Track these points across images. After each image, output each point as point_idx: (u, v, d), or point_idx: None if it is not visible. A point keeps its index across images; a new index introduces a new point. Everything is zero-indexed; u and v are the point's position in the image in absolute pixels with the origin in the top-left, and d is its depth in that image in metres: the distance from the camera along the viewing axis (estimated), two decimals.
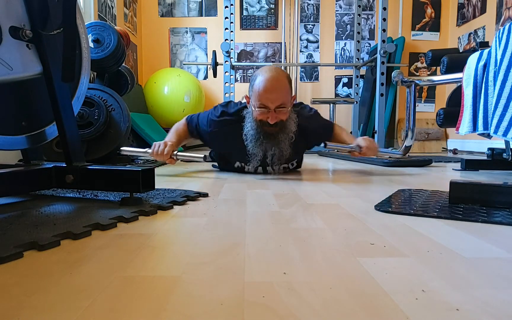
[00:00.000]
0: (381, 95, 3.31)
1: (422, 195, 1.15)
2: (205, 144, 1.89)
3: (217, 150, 1.88)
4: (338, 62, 4.55)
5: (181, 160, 1.75)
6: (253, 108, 1.55)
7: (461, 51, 3.44)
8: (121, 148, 1.86)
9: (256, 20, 4.51)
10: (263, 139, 1.55)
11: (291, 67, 4.41)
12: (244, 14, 4.50)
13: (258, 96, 1.49)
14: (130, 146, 2.03)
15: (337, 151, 2.05)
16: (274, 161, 1.60)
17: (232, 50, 3.73)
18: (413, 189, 1.27)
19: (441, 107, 1.97)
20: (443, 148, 4.43)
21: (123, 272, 0.52)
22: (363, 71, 4.43)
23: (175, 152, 1.67)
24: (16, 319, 0.39)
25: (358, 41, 4.27)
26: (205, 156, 1.77)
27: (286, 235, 0.71)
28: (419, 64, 4.53)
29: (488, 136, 1.55)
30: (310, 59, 4.56)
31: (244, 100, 1.67)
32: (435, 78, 2.19)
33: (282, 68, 4.44)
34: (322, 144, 1.79)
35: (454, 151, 4.03)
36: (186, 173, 1.81)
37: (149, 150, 1.69)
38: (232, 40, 3.83)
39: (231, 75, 3.55)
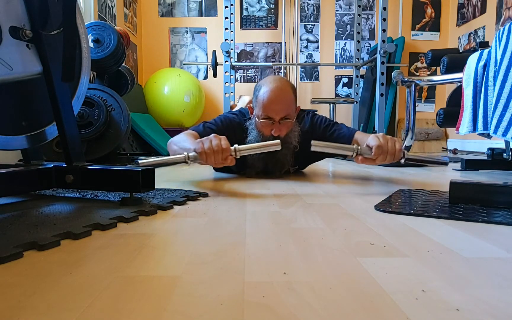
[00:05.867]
0: (381, 95, 3.31)
1: (422, 195, 1.14)
2: None
3: None
4: (338, 62, 4.55)
5: (240, 156, 1.24)
6: (257, 119, 1.51)
7: (461, 51, 3.44)
8: (148, 161, 1.28)
9: (256, 20, 4.51)
10: (265, 153, 1.48)
11: (291, 67, 4.41)
12: (244, 14, 4.50)
13: (263, 107, 1.47)
14: (154, 157, 1.52)
15: (337, 156, 1.86)
16: (275, 170, 1.61)
17: (232, 50, 3.73)
18: (413, 189, 1.27)
19: (441, 107, 1.97)
20: (443, 148, 4.42)
21: (123, 272, 0.52)
22: (363, 71, 4.42)
23: (232, 147, 1.23)
24: (16, 319, 0.39)
25: (358, 41, 4.27)
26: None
27: (286, 235, 0.71)
28: (419, 64, 4.53)
29: (488, 136, 1.55)
30: (310, 59, 4.56)
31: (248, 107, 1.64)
32: (435, 78, 2.18)
33: (282, 68, 4.44)
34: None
35: (454, 151, 4.03)
36: (186, 172, 1.81)
37: (191, 153, 1.21)
38: (232, 40, 3.83)
39: (231, 75, 3.55)
